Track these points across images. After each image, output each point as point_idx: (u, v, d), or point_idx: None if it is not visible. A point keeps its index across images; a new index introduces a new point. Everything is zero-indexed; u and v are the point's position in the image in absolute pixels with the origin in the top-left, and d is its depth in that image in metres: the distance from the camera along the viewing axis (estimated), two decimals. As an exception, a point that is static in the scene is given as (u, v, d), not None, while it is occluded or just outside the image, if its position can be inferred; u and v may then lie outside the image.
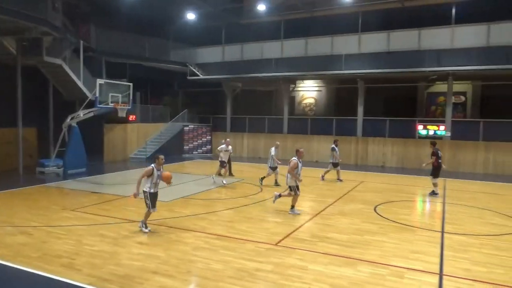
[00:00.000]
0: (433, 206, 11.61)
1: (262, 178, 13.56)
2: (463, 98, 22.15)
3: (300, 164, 9.69)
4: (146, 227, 8.01)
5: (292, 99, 25.90)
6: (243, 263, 6.42)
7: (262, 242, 7.47)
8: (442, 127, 19.19)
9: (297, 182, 9.65)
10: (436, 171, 12.24)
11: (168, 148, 21.90)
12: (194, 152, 23.86)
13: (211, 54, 24.39)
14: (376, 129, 20.71)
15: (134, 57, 21.90)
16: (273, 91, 26.72)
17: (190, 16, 22.85)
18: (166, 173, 8.10)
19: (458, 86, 21.24)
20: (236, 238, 7.70)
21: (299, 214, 9.71)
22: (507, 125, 18.14)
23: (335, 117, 22.32)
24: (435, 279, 5.97)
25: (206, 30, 24.13)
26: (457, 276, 6.07)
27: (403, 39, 18.88)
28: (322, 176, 15.08)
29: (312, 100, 26.34)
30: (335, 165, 15.01)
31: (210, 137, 24.43)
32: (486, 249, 7.37)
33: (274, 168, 13.59)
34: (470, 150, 18.43)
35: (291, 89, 24.77)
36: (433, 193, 12.32)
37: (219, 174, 14.01)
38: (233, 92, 25.65)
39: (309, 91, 26.38)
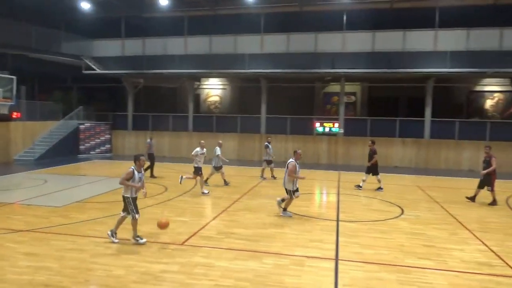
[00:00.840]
0: (329, 197, 12.58)
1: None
2: (353, 98, 24.38)
3: (298, 166, 9.34)
4: (115, 237, 7.28)
5: (197, 97, 25.72)
6: (148, 266, 6.19)
7: (167, 243, 7.29)
8: (336, 125, 20.88)
9: (296, 185, 9.35)
10: (377, 168, 13.20)
11: (60, 148, 20.06)
12: (91, 152, 22.21)
13: (109, 47, 22.92)
14: (278, 126, 21.68)
15: (18, 47, 19.50)
16: (177, 88, 26.19)
17: (85, 5, 21.16)
18: (165, 221, 7.28)
19: (349, 87, 23.31)
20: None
21: (291, 216, 9.44)
22: (389, 122, 20.48)
23: (239, 115, 22.77)
24: (332, 264, 6.48)
25: (104, 22, 22.61)
26: (350, 260, 6.67)
27: (301, 42, 20.06)
28: (261, 176, 15.07)
29: (217, 98, 26.49)
30: (268, 162, 15.05)
31: (109, 136, 22.98)
32: (373, 233, 8.24)
33: (218, 168, 13.13)
34: (360, 145, 20.37)
35: (195, 86, 24.55)
36: (380, 189, 13.09)
37: (205, 181, 12.73)
38: (134, 89, 24.48)
39: (214, 89, 26.47)
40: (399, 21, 19.34)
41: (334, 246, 7.36)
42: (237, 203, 10.86)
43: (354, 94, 24.36)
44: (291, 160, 9.33)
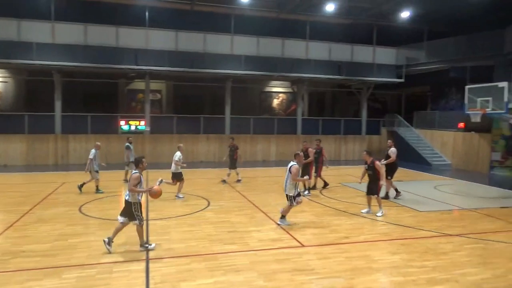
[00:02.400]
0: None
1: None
2: (159, 95, 24.36)
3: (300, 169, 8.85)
4: (149, 244, 7.04)
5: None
6: None
7: None
8: (142, 122, 20.43)
9: (298, 189, 8.76)
10: (235, 163, 14.15)
11: None
12: None
13: None
14: (77, 125, 19.65)
15: None
16: None
17: None
18: (158, 188, 7.27)
19: (155, 85, 23.15)
20: None
21: (289, 225, 8.72)
22: (194, 119, 21.38)
23: (27, 113, 19.51)
24: (142, 266, 6.33)
25: None
26: (161, 257, 6.67)
27: (101, 34, 18.65)
28: (125, 180, 13.73)
29: (-5, 93, 21.98)
30: (130, 164, 13.86)
31: None
32: (183, 228, 8.47)
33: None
34: (167, 142, 20.55)
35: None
36: (326, 185, 13.32)
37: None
38: None
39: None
40: (200, 23, 20.41)
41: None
42: (28, 216, 9.33)
43: (159, 92, 24.36)
44: (293, 163, 8.64)
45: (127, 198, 6.92)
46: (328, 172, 13.71)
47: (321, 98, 28.07)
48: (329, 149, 23.50)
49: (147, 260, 6.54)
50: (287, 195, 8.77)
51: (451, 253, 7.23)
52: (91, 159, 11.97)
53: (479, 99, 14.83)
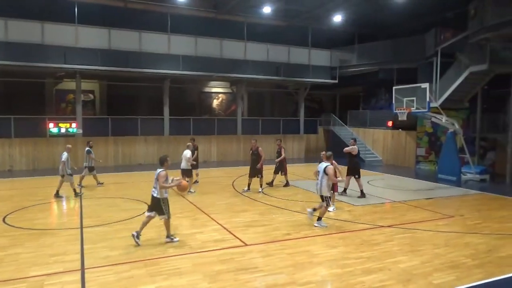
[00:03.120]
0: (71, 205, 11.48)
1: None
2: (91, 96, 23.10)
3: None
4: (174, 237, 7.64)
5: None
6: None
7: None
8: (74, 125, 19.23)
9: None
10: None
11: None
12: None
13: None
14: (-1, 128, 18.01)
15: None
16: None
17: None
18: (185, 183, 8.09)
19: (87, 85, 21.92)
20: None
21: (326, 226, 8.73)
22: (131, 121, 20.60)
23: None
24: (77, 276, 5.96)
25: None
26: (98, 266, 6.33)
27: (25, 31, 17.24)
28: (79, 185, 12.91)
29: None
30: (90, 169, 13.51)
31: None
32: (122, 233, 8.11)
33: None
34: (102, 145, 19.57)
35: None
36: (287, 184, 13.85)
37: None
38: None
39: None
40: (135, 21, 19.65)
41: (79, 256, 6.79)
42: None
43: (92, 92, 23.10)
44: (327, 164, 8.72)
45: (155, 194, 7.49)
46: (269, 171, 13.93)
47: (260, 98, 28.46)
48: (269, 149, 23.95)
49: (83, 270, 6.18)
50: (322, 196, 8.87)
51: (384, 243, 7.71)
52: (64, 162, 11.69)
53: (405, 99, 15.95)
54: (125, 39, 18.97)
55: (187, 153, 12.54)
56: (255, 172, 12.75)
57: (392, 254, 7.10)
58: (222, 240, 7.81)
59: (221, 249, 7.25)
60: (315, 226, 8.77)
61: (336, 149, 25.00)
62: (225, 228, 8.63)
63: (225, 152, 22.33)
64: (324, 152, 9.85)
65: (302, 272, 6.21)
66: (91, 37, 18.40)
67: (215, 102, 26.33)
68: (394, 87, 16.89)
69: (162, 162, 7.60)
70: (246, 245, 7.52)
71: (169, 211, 7.60)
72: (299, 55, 23.19)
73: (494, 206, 11.06)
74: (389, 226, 8.89)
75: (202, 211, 10.17)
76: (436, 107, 16.33)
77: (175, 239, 7.63)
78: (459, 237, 8.18)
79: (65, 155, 11.81)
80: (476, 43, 14.69)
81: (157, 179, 7.41)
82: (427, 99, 15.01)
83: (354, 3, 19.61)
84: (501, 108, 17.49)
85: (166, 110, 21.15)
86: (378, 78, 23.53)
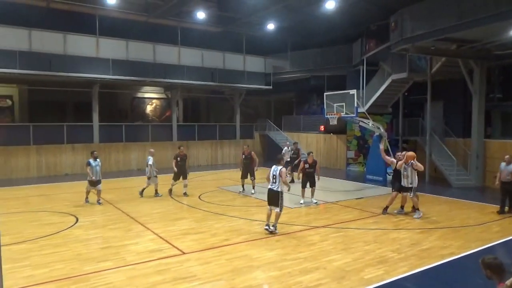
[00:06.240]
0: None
1: None
2: (9, 101, 21.18)
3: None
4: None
5: None
6: None
7: None
8: (-12, 133, 17.46)
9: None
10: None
11: None
12: None
13: None
14: None
15: None
16: None
17: None
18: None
19: (4, 89, 20.09)
20: None
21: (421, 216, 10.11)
22: (56, 128, 19.22)
23: None
24: (-6, 300, 5.38)
25: None
26: (19, 287, 5.77)
27: None
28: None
29: None
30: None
31: None
32: (46, 250, 7.50)
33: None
34: (23, 154, 18.03)
35: None
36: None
37: None
38: None
39: None
40: (59, 23, 18.36)
41: (-4, 277, 6.14)
42: None
43: (10, 97, 21.17)
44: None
45: (277, 189, 8.47)
46: (206, 177, 13.78)
47: (196, 104, 28.17)
48: (206, 154, 23.76)
49: (1, 293, 5.59)
50: (410, 187, 10.18)
51: (319, 243, 7.99)
52: (151, 165, 12.71)
53: (335, 105, 16.76)
54: (47, 41, 17.70)
55: (150, 159, 12.86)
56: (249, 173, 13.56)
57: (327, 253, 7.37)
58: (158, 250, 7.54)
59: (157, 259, 6.99)
60: (415, 218, 10.07)
61: (272, 153, 25.48)
62: (161, 237, 8.36)
63: (160, 159, 21.63)
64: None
65: (241, 276, 6.20)
66: (9, 38, 16.90)
67: (149, 108, 25.55)
68: (325, 93, 17.67)
69: (280, 160, 8.83)
70: (184, 253, 7.34)
71: (283, 204, 8.65)
72: (234, 61, 23.37)
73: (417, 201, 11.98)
74: (323, 227, 9.24)
75: (137, 221, 9.75)
76: (364, 112, 17.38)
77: (276, 230, 8.62)
78: (386, 233, 8.74)
79: (151, 158, 12.84)
80: (397, 53, 15.90)
81: (280, 175, 8.40)
82: (355, 105, 15.92)
83: (285, 12, 20.23)
84: (419, 113, 19.12)
85: (96, 117, 20.06)
86: (310, 85, 24.48)
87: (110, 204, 11.86)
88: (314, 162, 12.13)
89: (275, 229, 8.60)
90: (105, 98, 21.07)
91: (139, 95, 25.17)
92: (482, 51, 14.73)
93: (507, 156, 10.61)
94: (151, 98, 25.52)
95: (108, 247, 7.66)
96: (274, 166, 8.64)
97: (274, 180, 8.54)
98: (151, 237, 8.40)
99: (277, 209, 8.52)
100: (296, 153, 16.15)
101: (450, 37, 13.28)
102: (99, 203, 11.70)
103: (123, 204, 11.82)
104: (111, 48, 19.33)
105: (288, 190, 8.81)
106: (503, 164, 10.63)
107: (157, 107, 25.79)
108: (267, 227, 8.61)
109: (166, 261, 6.92)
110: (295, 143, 16.86)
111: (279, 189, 8.46)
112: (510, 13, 10.82)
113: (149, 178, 12.87)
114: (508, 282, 3.84)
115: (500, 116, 16.56)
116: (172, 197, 12.90)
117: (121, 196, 13.18)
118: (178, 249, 7.58)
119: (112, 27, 19.33)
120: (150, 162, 12.82)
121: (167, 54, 20.95)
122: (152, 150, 13.45)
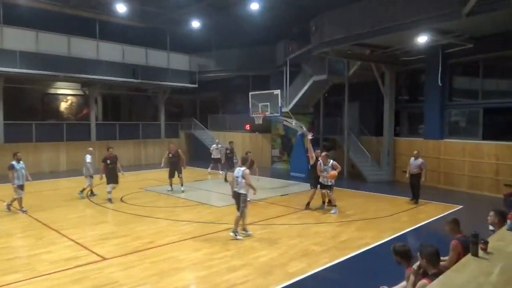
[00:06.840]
0: None
1: None
2: None
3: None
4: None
5: None
6: None
7: None
8: None
9: None
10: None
11: None
12: None
13: None
14: None
15: None
16: None
17: None
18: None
19: None
20: None
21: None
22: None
23: None
24: None
25: None
26: None
27: None
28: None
29: None
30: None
31: None
32: None
33: None
34: None
35: None
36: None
37: None
38: None
39: None
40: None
41: None
42: None
43: None
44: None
45: (239, 191, 8.15)
46: (128, 178, 13.19)
47: (116, 101, 26.72)
48: (129, 154, 22.71)
49: None
50: (330, 185, 10.66)
51: (246, 240, 8.09)
52: (89, 164, 12.25)
53: (260, 104, 17.10)
54: None
55: (87, 157, 12.45)
56: (176, 171, 13.37)
57: (254, 249, 7.49)
58: (75, 257, 7.02)
59: (74, 267, 6.50)
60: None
61: (197, 152, 25.29)
62: (78, 243, 7.79)
63: (76, 160, 20.20)
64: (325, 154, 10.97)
65: (167, 279, 6.03)
66: None
67: (64, 105, 23.66)
68: (250, 93, 17.93)
69: (244, 161, 8.50)
70: (104, 259, 6.93)
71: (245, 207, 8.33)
72: (158, 58, 22.66)
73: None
74: (250, 224, 9.36)
75: (50, 228, 8.98)
76: (287, 112, 17.98)
77: (248, 232, 8.39)
78: (309, 228, 9.14)
79: (89, 157, 12.37)
80: (317, 56, 16.70)
81: (243, 177, 8.04)
82: (279, 105, 16.40)
83: (210, 11, 20.13)
84: (338, 113, 20.30)
85: (0, 114, 18.07)
86: (235, 84, 24.63)
87: (18, 210, 10.75)
88: (252, 162, 12.11)
89: (235, 235, 8.09)
90: (11, 94, 19.08)
91: (52, 91, 23.17)
92: (392, 56, 16.11)
93: (415, 152, 11.89)
94: (66, 94, 23.65)
95: (17, 257, 6.96)
96: (237, 168, 8.35)
97: (237, 183, 8.26)
98: (67, 244, 7.79)
99: (237, 213, 8.24)
100: (232, 152, 16.24)
101: (365, 43, 14.32)
102: (23, 211, 10.49)
103: (34, 210, 10.78)
104: (18, 38, 17.56)
105: (254, 193, 8.39)
106: (412, 158, 11.82)
107: (73, 104, 24.00)
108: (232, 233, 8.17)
109: (84, 268, 6.47)
110: (230, 142, 16.87)
111: (242, 191, 8.16)
112: (414, 23, 11.99)
113: (87, 177, 12.40)
114: (414, 266, 4.25)
115: (407, 116, 18.25)
116: (91, 200, 12.12)
117: (30, 201, 12.00)
118: (97, 255, 7.14)
119: (20, 16, 17.54)
120: (88, 160, 12.40)
121: (84, 48, 19.59)
122: (90, 149, 13.03)
